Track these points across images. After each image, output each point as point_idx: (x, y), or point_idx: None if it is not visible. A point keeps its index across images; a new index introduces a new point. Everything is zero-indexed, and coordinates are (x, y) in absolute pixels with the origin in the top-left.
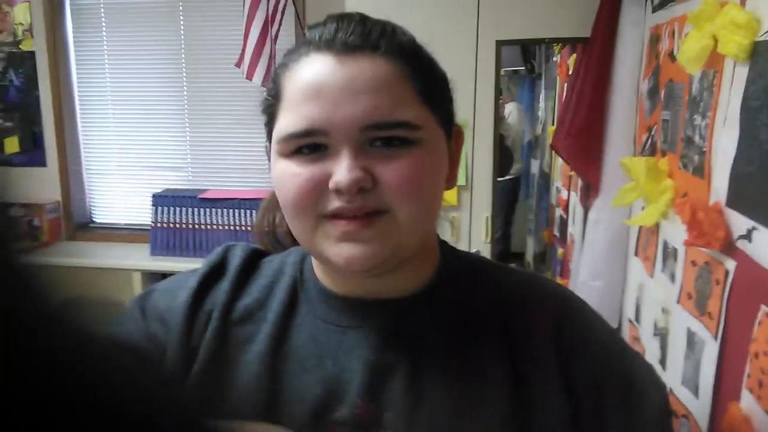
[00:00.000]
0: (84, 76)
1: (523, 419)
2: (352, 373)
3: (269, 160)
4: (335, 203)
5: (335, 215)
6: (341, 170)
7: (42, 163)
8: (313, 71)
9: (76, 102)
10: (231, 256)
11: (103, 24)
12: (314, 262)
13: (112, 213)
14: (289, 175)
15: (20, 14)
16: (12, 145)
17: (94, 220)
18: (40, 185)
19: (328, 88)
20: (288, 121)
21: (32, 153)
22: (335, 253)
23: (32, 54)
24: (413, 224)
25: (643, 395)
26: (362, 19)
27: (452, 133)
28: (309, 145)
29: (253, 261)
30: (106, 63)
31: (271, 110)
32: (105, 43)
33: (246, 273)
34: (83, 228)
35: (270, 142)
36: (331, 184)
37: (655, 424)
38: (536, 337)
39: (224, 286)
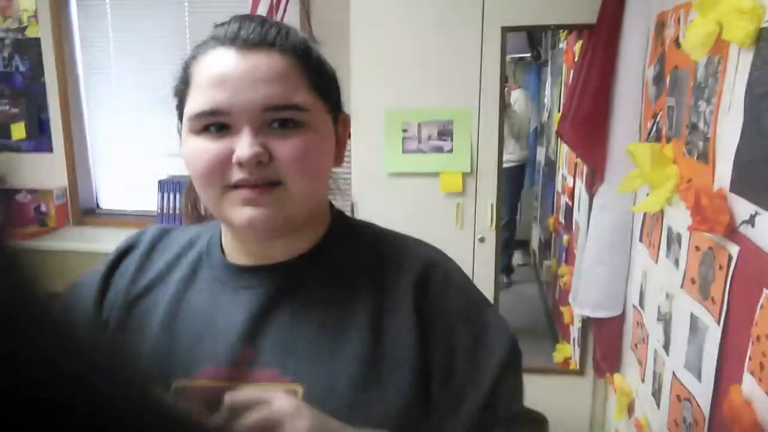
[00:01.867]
0: (90, 62)
1: (379, 359)
2: (236, 325)
3: (181, 138)
4: (238, 175)
5: (238, 185)
6: (243, 146)
7: (48, 149)
8: (219, 62)
9: (82, 88)
10: (139, 239)
11: (108, 10)
12: (223, 235)
13: (118, 199)
14: (199, 151)
15: (25, 0)
16: (18, 131)
17: (100, 205)
18: (46, 171)
19: (231, 77)
20: (197, 103)
21: (39, 139)
22: (239, 216)
23: (37, 40)
24: (303, 195)
25: (490, 344)
26: (262, 21)
27: (339, 119)
28: (215, 124)
29: (161, 238)
30: (111, 49)
31: (181, 94)
32: (110, 29)
33: (151, 251)
34: (90, 213)
35: (181, 122)
36: (234, 158)
37: (496, 371)
38: (401, 289)
39: (130, 266)
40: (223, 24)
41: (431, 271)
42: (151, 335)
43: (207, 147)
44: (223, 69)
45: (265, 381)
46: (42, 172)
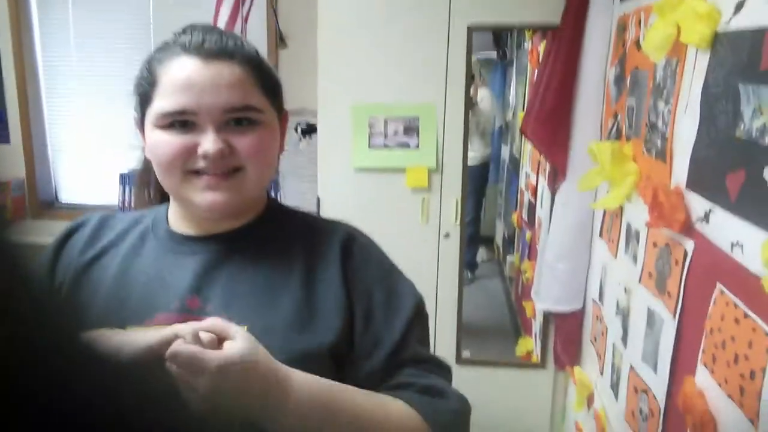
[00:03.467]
0: (49, 52)
1: (311, 307)
2: (184, 280)
3: (141, 130)
4: (201, 164)
5: (200, 172)
6: (208, 142)
7: (5, 139)
8: (186, 68)
9: (41, 78)
10: (87, 219)
11: None
12: (170, 213)
13: (78, 192)
14: (164, 143)
15: None
16: None
17: (59, 198)
18: (3, 162)
19: (197, 83)
20: (165, 103)
21: None
22: (201, 199)
23: None
24: (258, 179)
25: (401, 299)
26: (221, 33)
27: (282, 115)
28: (180, 121)
29: (107, 219)
30: (71, 38)
31: (146, 92)
32: (71, 18)
33: (99, 228)
34: (48, 206)
35: (141, 115)
36: (201, 152)
37: (406, 320)
38: (329, 254)
39: (80, 240)
40: (185, 32)
41: (353, 241)
42: (103, 290)
43: (172, 140)
44: (190, 74)
45: None
46: None
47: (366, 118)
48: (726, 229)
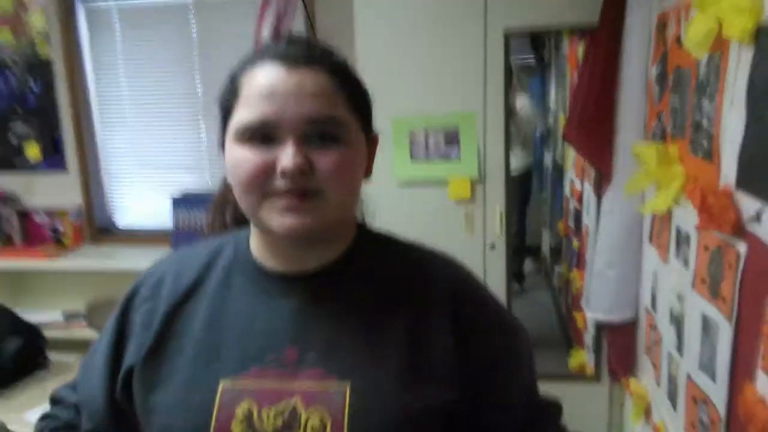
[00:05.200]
0: (100, 81)
1: (419, 359)
2: (277, 327)
3: (222, 150)
4: (280, 184)
5: (279, 193)
6: (288, 156)
7: (63, 168)
8: (268, 76)
9: (94, 106)
10: (145, 279)
11: (117, 28)
12: (252, 243)
13: (133, 216)
14: (243, 159)
15: (35, 20)
16: (32, 150)
17: (115, 223)
18: (61, 190)
19: (280, 91)
20: (245, 114)
21: (53, 158)
22: (279, 223)
23: (49, 60)
24: (339, 203)
25: (520, 341)
26: (308, 41)
27: (371, 137)
28: (260, 135)
29: (182, 258)
30: (120, 66)
31: (228, 105)
32: (119, 46)
33: (178, 264)
34: (106, 232)
35: (224, 133)
36: (279, 168)
37: (528, 364)
38: (435, 296)
39: (150, 292)
40: (273, 42)
41: (464, 283)
42: (194, 336)
43: (252, 156)
44: (273, 82)
45: (312, 379)
46: (57, 191)
47: (406, 131)
48: None
